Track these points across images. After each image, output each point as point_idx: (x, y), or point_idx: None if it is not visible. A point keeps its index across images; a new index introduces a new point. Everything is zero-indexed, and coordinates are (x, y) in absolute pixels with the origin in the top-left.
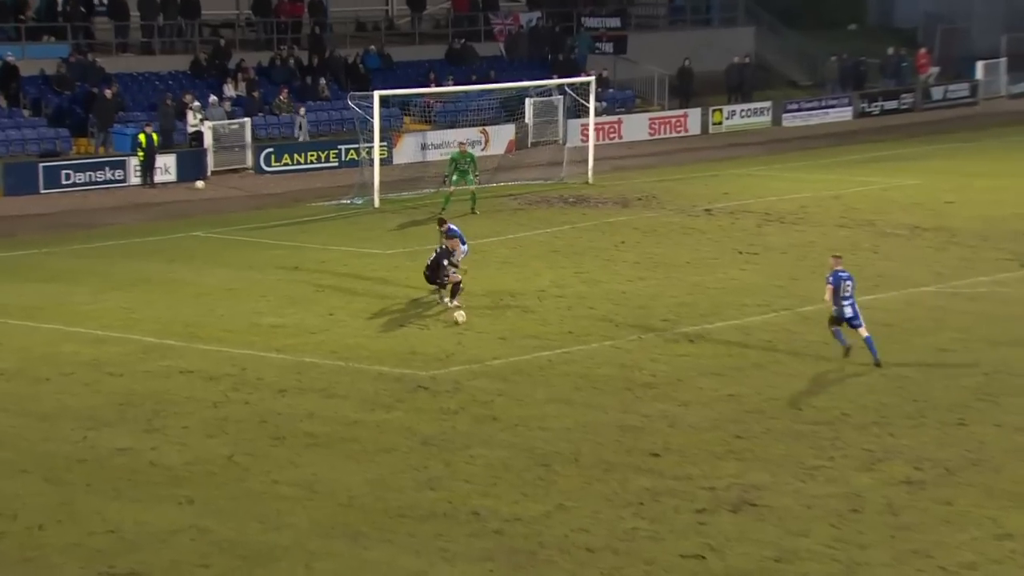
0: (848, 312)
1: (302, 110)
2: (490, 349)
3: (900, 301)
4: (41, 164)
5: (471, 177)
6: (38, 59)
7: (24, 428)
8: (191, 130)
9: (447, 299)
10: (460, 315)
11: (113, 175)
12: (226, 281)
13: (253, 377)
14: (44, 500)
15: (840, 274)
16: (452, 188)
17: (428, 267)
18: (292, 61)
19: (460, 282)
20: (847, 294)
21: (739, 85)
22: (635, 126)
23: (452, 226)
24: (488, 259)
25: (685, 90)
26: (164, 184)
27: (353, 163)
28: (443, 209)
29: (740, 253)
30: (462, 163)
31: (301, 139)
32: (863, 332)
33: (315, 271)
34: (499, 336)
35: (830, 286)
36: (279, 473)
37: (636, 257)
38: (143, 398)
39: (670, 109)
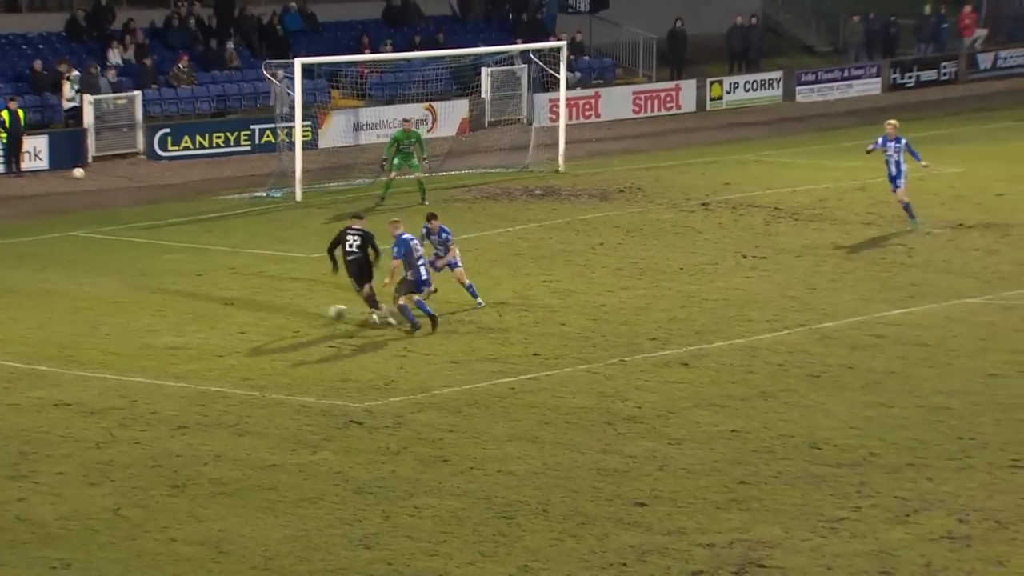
0: (424, 274)
1: (279, 73)
2: (439, 375)
3: (940, 316)
4: None
5: (416, 162)
6: None
7: None
8: (67, 106)
9: (376, 313)
10: (380, 314)
11: None
12: (112, 292)
13: (146, 411)
14: None
15: (403, 237)
16: (393, 174)
17: (354, 264)
18: (192, 21)
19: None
20: (419, 253)
21: (743, 52)
22: (616, 102)
23: (445, 228)
24: None
25: (677, 58)
26: (34, 172)
27: (270, 147)
28: (382, 199)
29: (745, 257)
30: (405, 144)
31: (279, 110)
32: (406, 300)
33: (223, 279)
34: (450, 359)
35: (397, 261)
36: (178, 529)
37: (617, 262)
38: (7, 437)
39: (659, 81)
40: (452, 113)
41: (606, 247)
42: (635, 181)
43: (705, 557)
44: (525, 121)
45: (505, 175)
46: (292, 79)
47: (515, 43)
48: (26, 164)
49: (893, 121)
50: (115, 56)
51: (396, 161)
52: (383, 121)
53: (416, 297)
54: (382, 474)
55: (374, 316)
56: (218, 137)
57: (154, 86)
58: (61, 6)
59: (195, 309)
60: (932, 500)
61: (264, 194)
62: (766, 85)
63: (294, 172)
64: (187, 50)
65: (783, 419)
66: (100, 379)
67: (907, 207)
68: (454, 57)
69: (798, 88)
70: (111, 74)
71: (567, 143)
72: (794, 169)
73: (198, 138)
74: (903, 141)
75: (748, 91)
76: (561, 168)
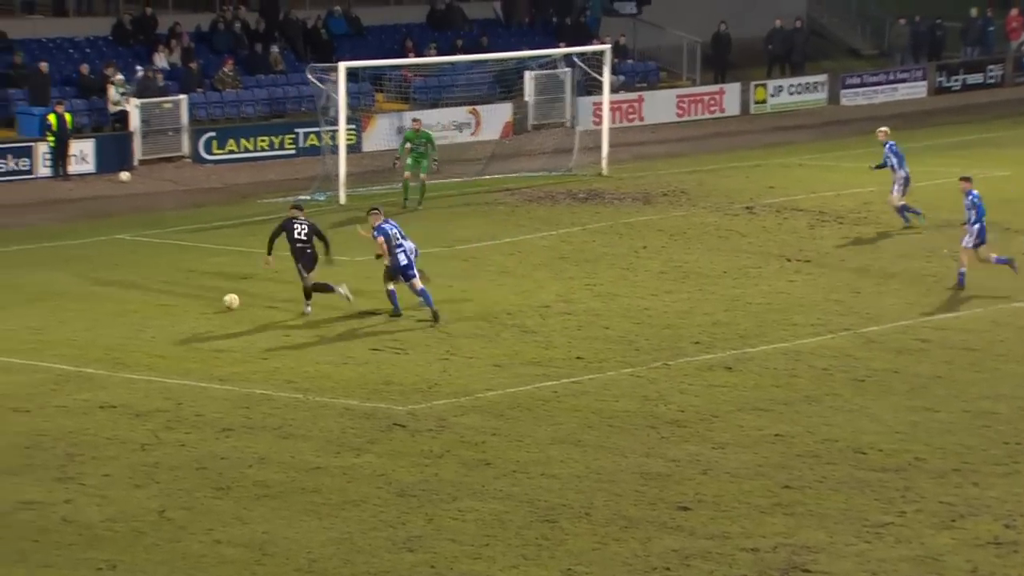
0: (403, 260)
1: (334, 75)
2: (482, 378)
3: (986, 320)
4: None
5: (427, 163)
6: None
7: None
8: (113, 110)
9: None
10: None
11: (17, 164)
12: (157, 295)
13: (190, 413)
14: None
15: (384, 226)
16: (407, 175)
17: (304, 253)
18: (238, 25)
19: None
20: (399, 241)
21: (784, 55)
22: (660, 105)
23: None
24: (480, 268)
25: (721, 61)
26: (81, 176)
27: (314, 150)
28: (405, 201)
29: (789, 261)
30: (416, 143)
31: (331, 112)
32: (417, 284)
33: (267, 282)
34: (493, 362)
35: (380, 238)
36: (222, 531)
37: (661, 266)
38: (55, 440)
39: (703, 84)
40: (495, 116)
41: (649, 250)
42: (679, 185)
43: (749, 561)
44: (568, 124)
45: (548, 178)
46: (334, 89)
47: (559, 46)
48: (73, 167)
49: (884, 128)
50: (161, 60)
51: (409, 162)
52: (426, 125)
53: (420, 285)
54: (425, 477)
55: (307, 308)
56: (263, 141)
57: (199, 90)
58: (108, 10)
59: (239, 312)
60: (978, 505)
61: (308, 197)
62: (811, 88)
63: (338, 175)
64: (232, 54)
65: (828, 423)
66: (146, 381)
67: (900, 209)
68: (497, 60)
69: (843, 91)
70: (159, 77)
71: (610, 146)
72: (838, 172)
73: (243, 142)
74: (888, 145)
75: (793, 94)
76: (604, 171)
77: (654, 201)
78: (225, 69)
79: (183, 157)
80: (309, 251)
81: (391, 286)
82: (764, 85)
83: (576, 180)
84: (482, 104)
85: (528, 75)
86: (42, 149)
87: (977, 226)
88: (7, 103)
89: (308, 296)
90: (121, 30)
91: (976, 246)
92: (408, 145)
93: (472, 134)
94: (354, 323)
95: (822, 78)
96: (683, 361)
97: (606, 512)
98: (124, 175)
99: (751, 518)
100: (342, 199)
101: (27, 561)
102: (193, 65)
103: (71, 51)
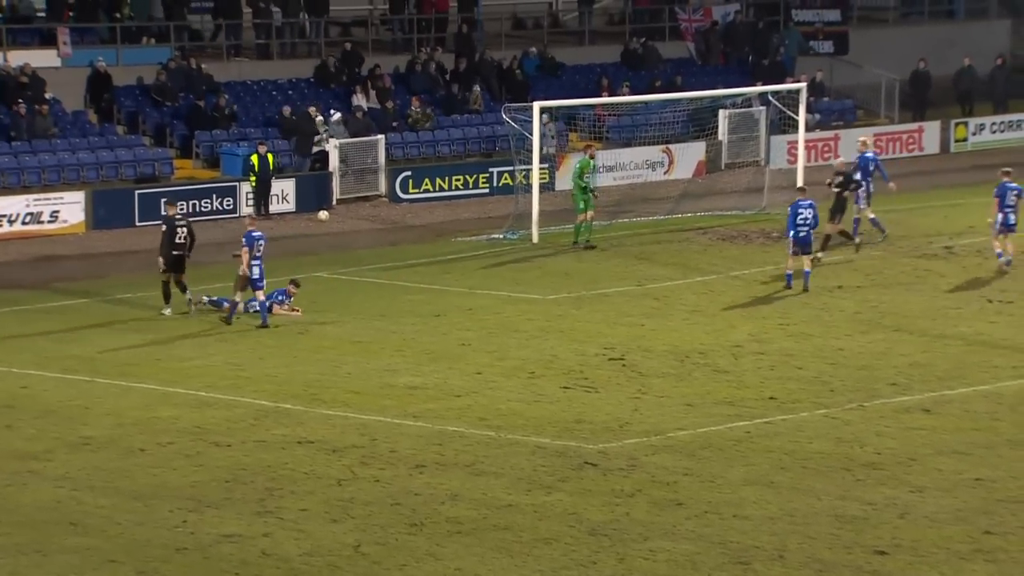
0: (256, 273)
1: (543, 119)
2: (674, 418)
3: None
4: (137, 191)
5: (591, 199)
6: (135, 65)
7: (114, 509)
8: (314, 150)
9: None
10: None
11: (222, 204)
12: (354, 332)
13: (385, 449)
14: None
15: (253, 234)
16: (585, 215)
17: (180, 259)
18: (434, 66)
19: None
20: (259, 254)
21: (979, 93)
22: (856, 144)
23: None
24: (672, 307)
25: (920, 99)
26: (281, 215)
27: (507, 189)
28: (586, 243)
29: (990, 302)
30: (588, 172)
31: (543, 151)
32: (261, 296)
33: (461, 320)
34: (685, 402)
35: (244, 249)
36: (416, 567)
37: (856, 306)
38: (254, 474)
39: (901, 123)
40: (689, 155)
41: (844, 290)
42: None
43: None
44: (762, 163)
45: (742, 217)
46: (559, 122)
47: (754, 85)
48: (274, 207)
49: (863, 137)
50: (360, 100)
51: (581, 205)
52: (619, 163)
53: (261, 298)
54: (616, 516)
55: (193, 308)
56: (457, 180)
57: (395, 125)
58: (311, 53)
59: (433, 349)
60: None
61: (502, 236)
62: (1014, 126)
63: (531, 214)
64: (428, 94)
65: None
66: (342, 417)
67: (874, 221)
68: (692, 99)
69: None
70: (360, 115)
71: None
72: None
73: (438, 181)
74: (861, 158)
75: (995, 133)
76: None
77: (849, 240)
78: (414, 107)
79: (380, 196)
80: (180, 255)
81: (238, 297)
82: (965, 123)
83: (770, 219)
84: (675, 143)
85: (722, 114)
86: (245, 189)
87: (792, 233)
88: (212, 143)
89: (167, 299)
90: (323, 72)
91: (796, 253)
92: (586, 176)
93: (665, 173)
94: (546, 362)
95: None
96: (879, 403)
97: (800, 555)
98: (323, 214)
99: (951, 564)
100: (535, 238)
101: None
102: (389, 105)
103: (274, 93)
